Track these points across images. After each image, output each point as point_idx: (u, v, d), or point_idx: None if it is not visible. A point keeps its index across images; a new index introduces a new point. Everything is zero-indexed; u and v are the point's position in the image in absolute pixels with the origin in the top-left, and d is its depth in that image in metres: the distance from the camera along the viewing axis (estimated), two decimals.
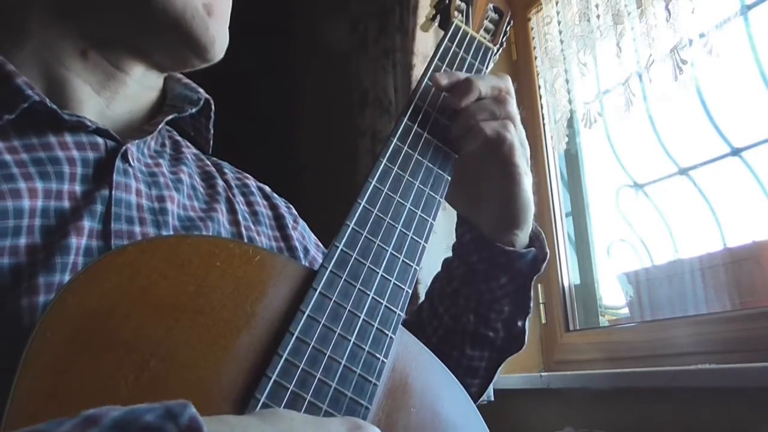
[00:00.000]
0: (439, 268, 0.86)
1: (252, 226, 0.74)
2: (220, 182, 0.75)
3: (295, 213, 0.84)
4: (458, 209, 0.80)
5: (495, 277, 0.76)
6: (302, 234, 0.81)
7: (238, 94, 2.93)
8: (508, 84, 0.74)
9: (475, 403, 0.77)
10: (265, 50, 3.01)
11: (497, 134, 0.70)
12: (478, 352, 0.78)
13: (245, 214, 0.75)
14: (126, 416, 0.34)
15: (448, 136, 0.71)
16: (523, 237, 0.76)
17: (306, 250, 0.79)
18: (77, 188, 0.59)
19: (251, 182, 0.81)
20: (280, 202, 0.83)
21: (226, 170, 0.80)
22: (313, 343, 0.52)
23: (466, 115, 0.70)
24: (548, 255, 0.79)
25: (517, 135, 0.72)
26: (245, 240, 0.71)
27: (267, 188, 0.84)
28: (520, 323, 0.79)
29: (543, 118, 1.86)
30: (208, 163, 0.78)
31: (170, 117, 0.70)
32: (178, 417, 0.35)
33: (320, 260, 0.79)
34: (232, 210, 0.73)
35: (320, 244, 0.85)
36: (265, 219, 0.77)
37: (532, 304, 0.79)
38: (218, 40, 0.67)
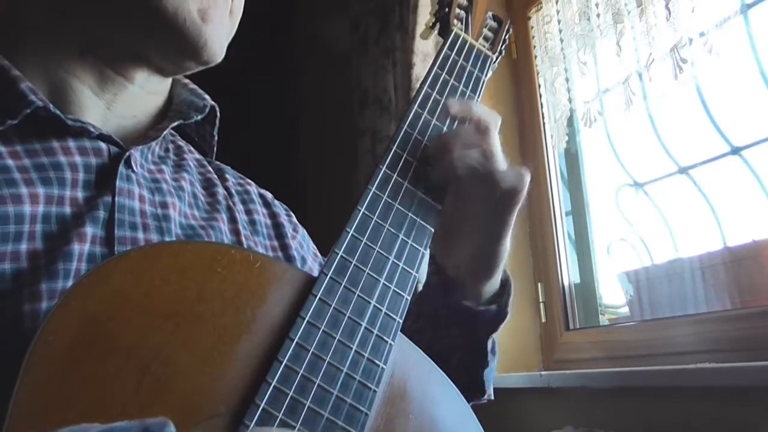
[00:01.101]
0: None
1: (250, 236, 0.74)
2: (220, 190, 0.75)
3: (296, 221, 0.84)
4: (437, 254, 0.76)
5: (447, 327, 0.74)
6: (301, 243, 0.81)
7: (239, 93, 2.93)
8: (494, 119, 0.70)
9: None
10: (266, 50, 3.01)
11: (481, 167, 0.66)
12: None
13: (244, 223, 0.75)
14: None
15: (431, 184, 0.67)
16: (491, 287, 0.74)
17: (303, 260, 0.79)
18: (79, 194, 0.59)
19: (252, 189, 0.81)
20: (281, 210, 0.82)
21: (228, 176, 0.80)
22: (312, 350, 0.53)
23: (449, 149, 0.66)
24: (507, 316, 0.74)
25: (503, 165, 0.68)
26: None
27: (269, 195, 0.84)
28: (475, 373, 0.75)
29: (543, 117, 1.86)
30: (210, 169, 0.78)
31: (175, 123, 0.70)
32: None
33: (317, 271, 0.78)
34: (232, 219, 0.73)
35: (318, 254, 0.84)
36: (262, 228, 0.77)
37: (490, 359, 0.75)
38: (211, 45, 0.66)
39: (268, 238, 0.77)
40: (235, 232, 0.72)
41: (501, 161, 0.68)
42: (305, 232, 0.84)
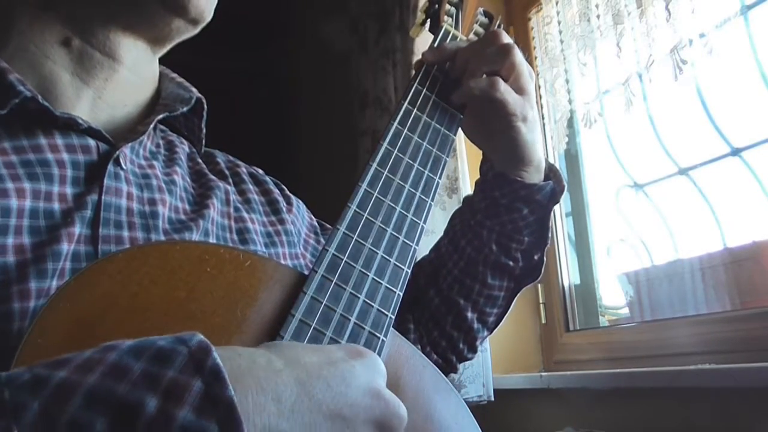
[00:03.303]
0: None
1: (245, 215, 0.74)
2: (211, 177, 0.75)
3: (288, 194, 0.85)
4: (477, 145, 0.86)
5: (517, 209, 0.81)
6: (296, 216, 0.83)
7: (239, 94, 2.93)
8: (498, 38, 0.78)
9: (491, 332, 0.86)
10: (266, 50, 3.01)
11: (484, 94, 0.74)
12: (498, 281, 0.84)
13: (237, 203, 0.75)
14: (141, 342, 0.38)
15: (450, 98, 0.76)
16: (532, 173, 0.82)
17: (299, 233, 0.81)
18: (68, 191, 0.59)
19: (242, 169, 0.82)
20: (272, 185, 0.84)
21: (218, 160, 0.81)
22: None
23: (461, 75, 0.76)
24: (565, 187, 0.85)
25: (507, 90, 0.75)
26: (236, 232, 0.72)
27: (259, 172, 0.85)
28: (538, 255, 0.85)
29: (543, 118, 1.86)
30: (199, 161, 0.78)
31: (162, 116, 0.70)
32: (188, 341, 0.38)
33: (312, 242, 0.81)
34: (226, 201, 0.73)
35: (315, 222, 0.87)
36: (258, 206, 0.78)
37: (550, 235, 0.85)
38: None
39: (265, 214, 0.78)
40: (228, 215, 0.72)
41: (512, 86, 0.75)
42: (299, 202, 0.86)
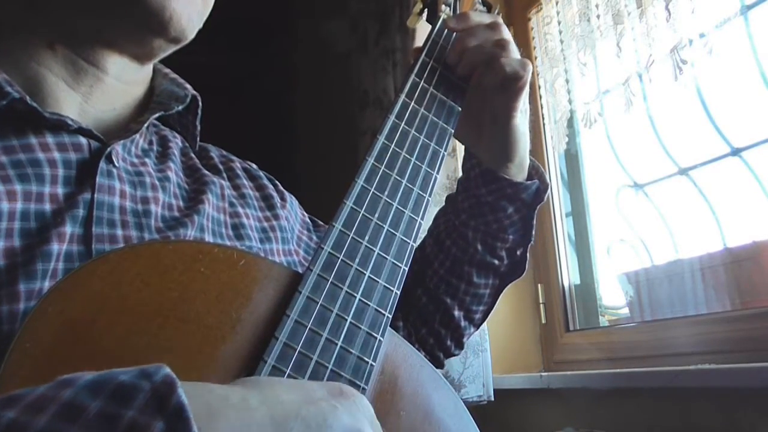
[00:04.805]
0: None
1: (240, 210, 0.74)
2: (205, 172, 0.75)
3: (282, 189, 0.85)
4: (464, 140, 0.86)
5: (502, 208, 0.82)
6: (290, 212, 0.82)
7: (238, 92, 2.93)
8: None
9: (478, 328, 0.87)
10: (266, 50, 3.01)
11: (491, 57, 0.75)
12: (483, 279, 0.84)
13: (232, 198, 0.75)
14: (100, 377, 0.34)
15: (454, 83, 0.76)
16: (515, 170, 0.82)
17: (292, 230, 0.81)
18: (59, 191, 0.59)
19: (236, 164, 0.82)
20: (266, 181, 0.83)
21: (212, 155, 0.80)
22: (299, 348, 0.51)
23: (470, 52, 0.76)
24: (549, 186, 0.85)
25: (511, 60, 0.76)
26: (231, 227, 0.71)
27: (253, 167, 0.84)
28: (521, 251, 0.86)
29: (543, 118, 1.85)
30: (192, 156, 0.77)
31: (156, 115, 0.69)
32: (152, 375, 0.35)
33: (305, 238, 0.81)
34: (221, 195, 0.73)
35: (307, 219, 0.87)
36: (253, 201, 0.78)
37: (534, 233, 0.85)
38: (177, 18, 0.64)
39: (260, 209, 0.78)
40: (222, 210, 0.72)
41: (512, 50, 0.76)
42: (293, 198, 0.86)
